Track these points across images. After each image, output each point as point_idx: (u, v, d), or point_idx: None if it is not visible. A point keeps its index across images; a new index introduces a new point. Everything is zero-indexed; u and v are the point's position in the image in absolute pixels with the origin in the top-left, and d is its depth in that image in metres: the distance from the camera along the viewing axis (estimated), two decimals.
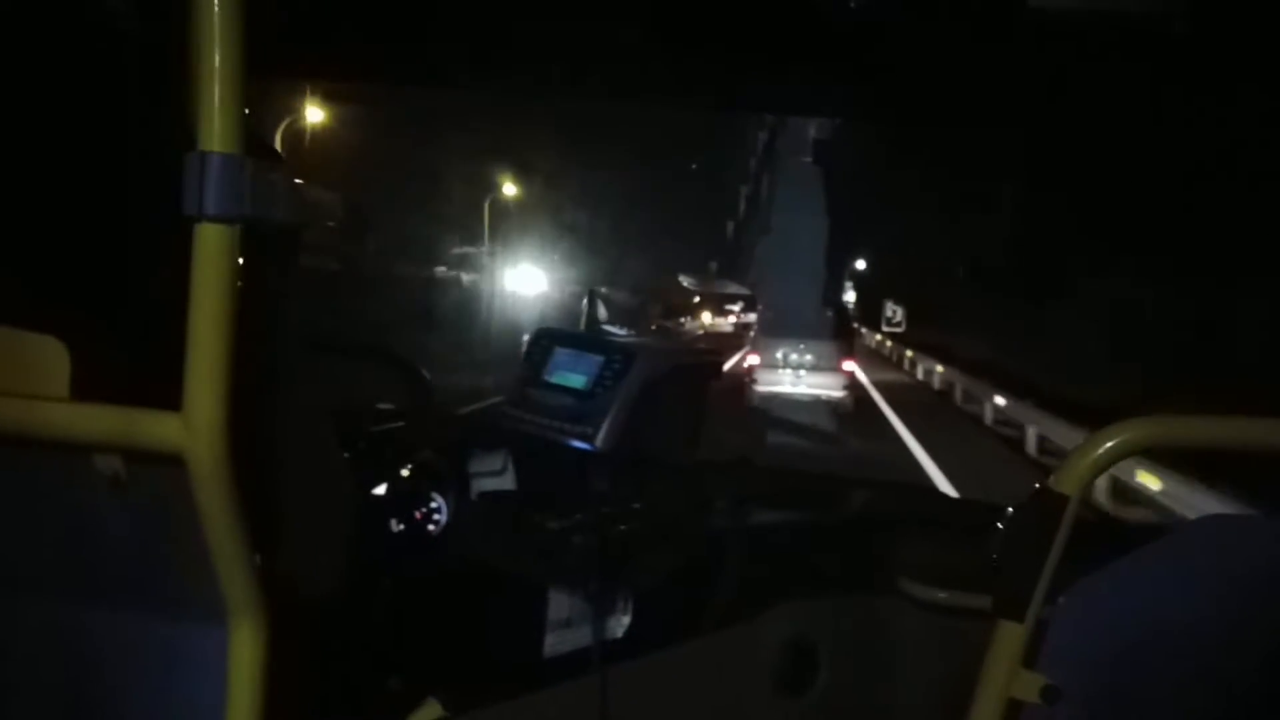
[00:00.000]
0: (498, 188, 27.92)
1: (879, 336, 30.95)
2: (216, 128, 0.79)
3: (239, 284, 0.81)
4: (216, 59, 0.78)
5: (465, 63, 2.04)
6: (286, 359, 1.00)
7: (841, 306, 18.83)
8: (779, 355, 14.37)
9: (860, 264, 59.87)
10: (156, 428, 0.82)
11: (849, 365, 14.73)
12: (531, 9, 1.72)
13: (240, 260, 0.81)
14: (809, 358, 14.29)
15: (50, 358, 0.86)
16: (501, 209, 27.85)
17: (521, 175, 28.39)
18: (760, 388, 14.11)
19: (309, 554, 1.00)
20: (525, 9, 1.72)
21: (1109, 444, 1.09)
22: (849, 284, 63.75)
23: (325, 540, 1.03)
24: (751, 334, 16.27)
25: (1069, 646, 1.11)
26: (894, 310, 24.89)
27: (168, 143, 0.82)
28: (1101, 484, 7.25)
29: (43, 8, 0.96)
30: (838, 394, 14.17)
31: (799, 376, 14.28)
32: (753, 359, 14.59)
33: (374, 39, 1.84)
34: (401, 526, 1.54)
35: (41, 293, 0.91)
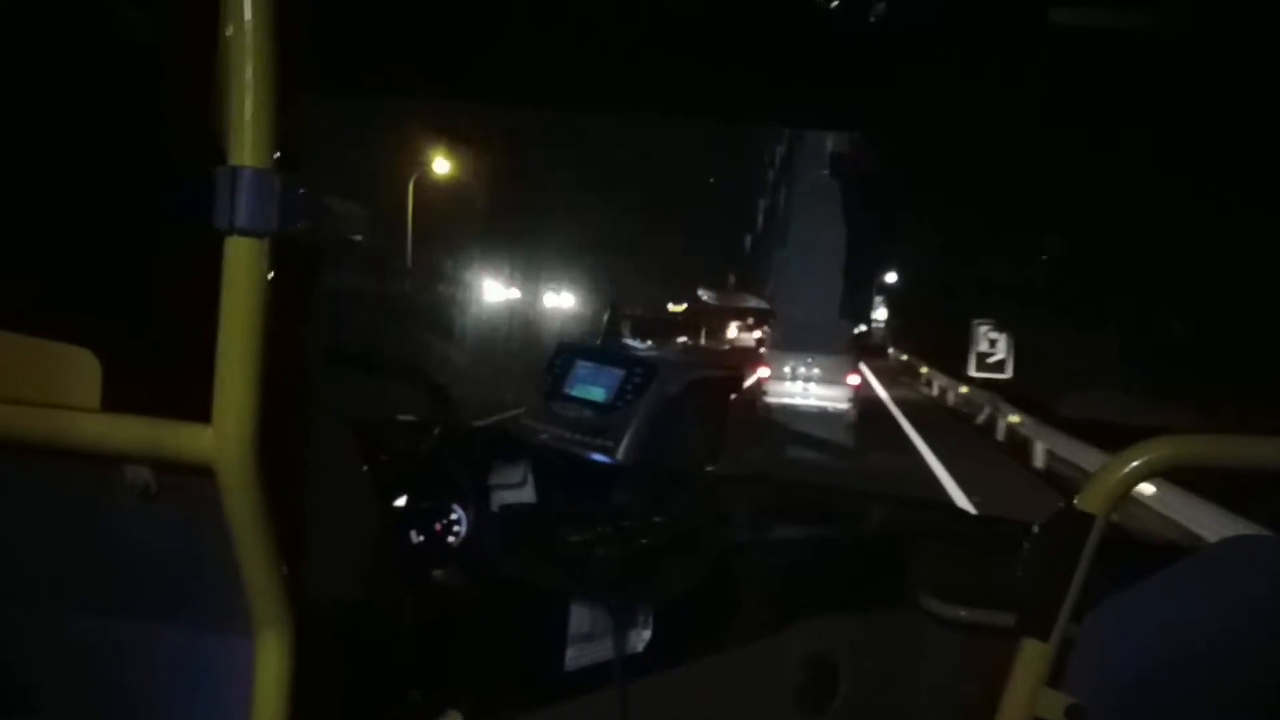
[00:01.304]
0: (426, 163, 20.74)
1: (964, 389, 17.81)
2: (248, 142, 0.80)
3: (268, 297, 0.82)
4: (249, 74, 0.79)
5: (487, 77, 2.05)
6: (313, 371, 1.01)
7: (846, 323, 18.57)
8: (787, 369, 15.24)
9: (891, 276, 58.14)
10: (186, 439, 0.83)
11: (854, 379, 15.53)
12: (545, 23, 1.73)
13: (269, 273, 0.82)
14: (816, 371, 15.16)
15: (82, 369, 0.87)
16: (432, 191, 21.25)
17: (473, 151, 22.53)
18: (770, 399, 14.91)
19: (335, 565, 1.01)
20: (540, 24, 1.73)
21: (1135, 463, 1.08)
22: (879, 299, 61.70)
23: (350, 552, 1.04)
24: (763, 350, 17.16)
25: (1093, 666, 1.10)
26: (993, 339, 15.83)
27: (199, 156, 0.83)
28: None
29: (78, 24, 0.98)
30: (843, 405, 14.96)
31: (807, 389, 15.15)
32: (763, 371, 15.41)
33: (395, 54, 1.85)
34: (422, 538, 1.55)
35: (73, 305, 0.92)
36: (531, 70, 1.95)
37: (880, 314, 63.67)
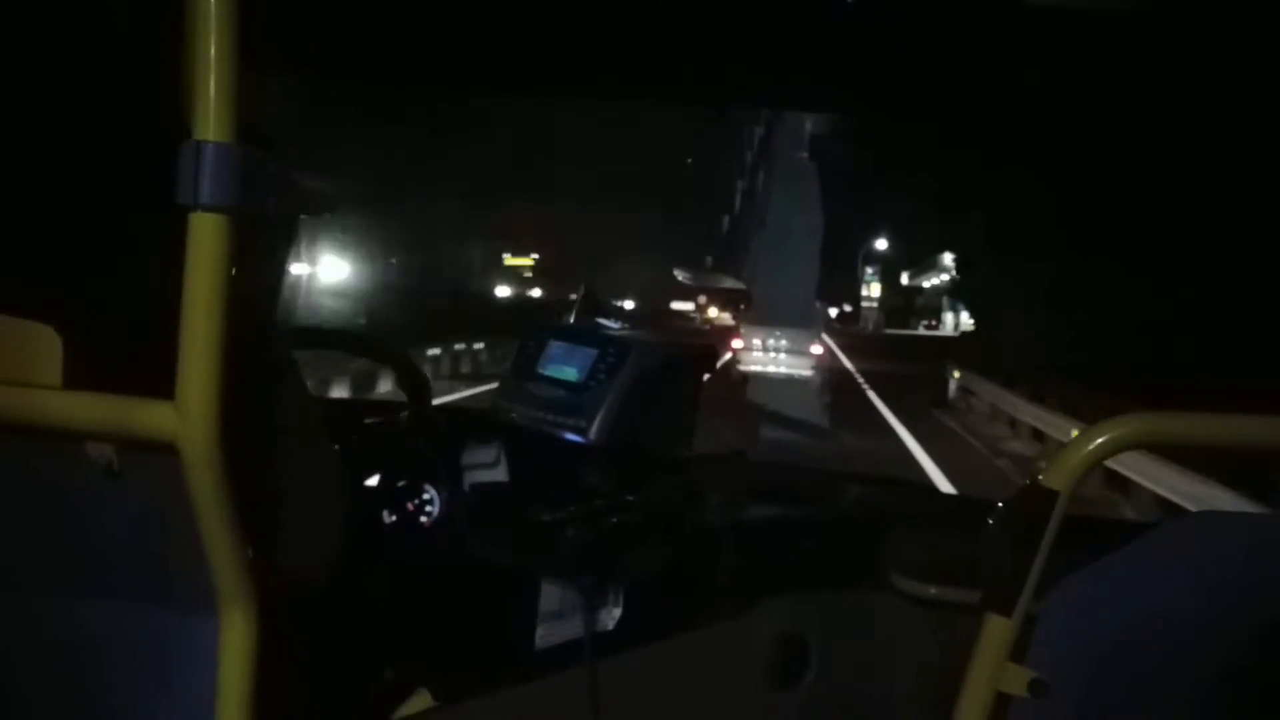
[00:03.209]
0: None
1: None
2: (211, 116, 0.79)
3: (232, 273, 0.81)
4: (211, 47, 0.78)
5: (460, 60, 2.03)
6: (279, 348, 1.00)
7: (816, 303, 20.42)
8: (757, 341, 17.57)
9: (881, 244, 53.88)
10: (149, 416, 0.82)
11: (817, 349, 18.01)
12: (525, 8, 1.72)
13: (234, 249, 0.81)
14: (784, 343, 17.47)
15: (43, 346, 0.86)
16: None
17: None
18: (743, 367, 17.02)
19: (301, 544, 1.01)
20: (519, 8, 1.72)
21: (1099, 440, 1.09)
22: (871, 271, 55.61)
23: (318, 530, 1.04)
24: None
25: (1057, 641, 1.12)
26: None
27: (162, 131, 0.82)
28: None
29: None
30: (807, 373, 17.18)
31: (777, 359, 17.44)
32: (738, 344, 17.67)
33: (370, 34, 1.83)
34: (394, 518, 1.54)
35: (34, 281, 0.91)
36: (511, 55, 1.93)
37: (875, 290, 56.09)
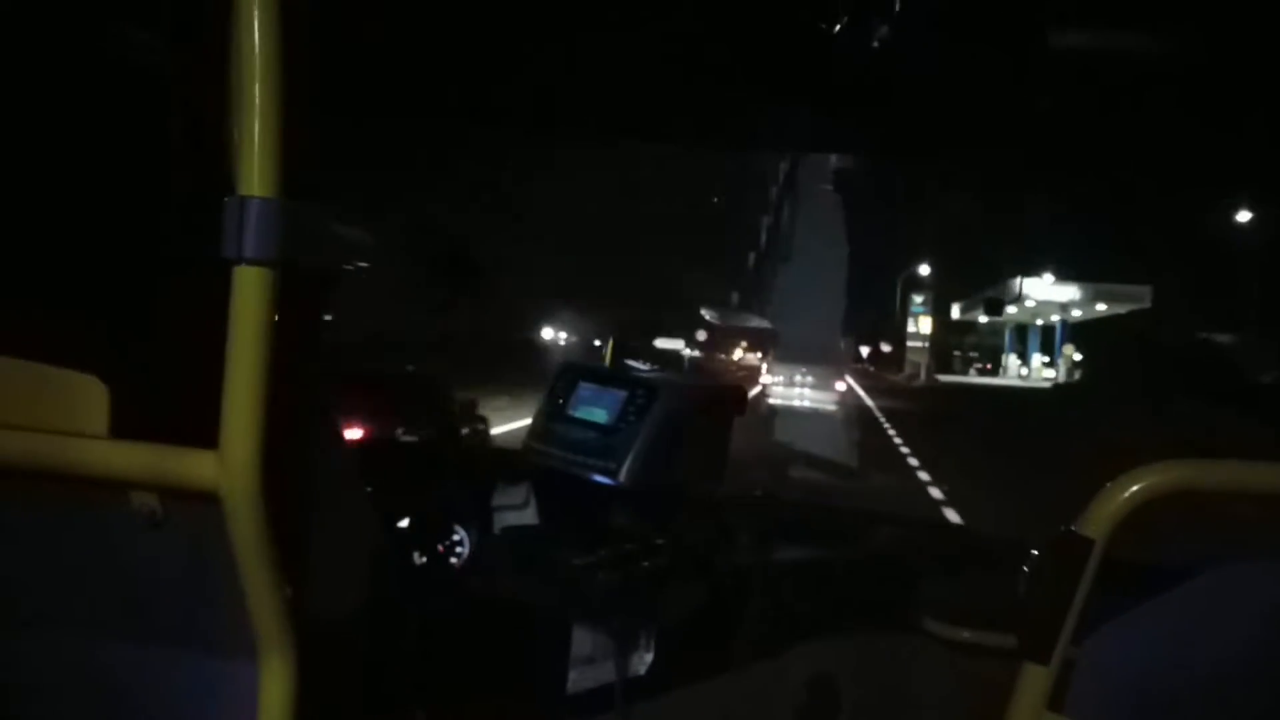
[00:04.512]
0: None
1: None
2: (255, 172, 0.81)
3: (275, 324, 0.83)
4: (256, 103, 0.81)
5: (486, 102, 2.07)
6: (319, 395, 1.02)
7: (843, 339, 21.81)
8: (784, 378, 19.88)
9: (924, 269, 43.34)
10: (193, 465, 0.83)
11: (840, 385, 19.78)
12: (552, 52, 1.75)
13: (276, 301, 0.83)
14: (810, 379, 19.68)
15: (90, 396, 0.88)
16: None
17: None
18: (772, 400, 18.44)
19: (339, 589, 1.01)
20: (547, 51, 1.75)
21: (1134, 488, 1.08)
22: (920, 301, 43.29)
23: (354, 575, 1.04)
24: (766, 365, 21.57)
25: (1094, 689, 1.10)
26: None
27: (208, 185, 0.85)
28: None
29: (88, 50, 0.99)
30: (831, 406, 18.69)
31: (803, 393, 19.27)
32: (766, 379, 19.75)
33: (402, 81, 1.87)
34: (425, 559, 1.55)
35: (82, 332, 0.93)
36: (539, 98, 1.97)
37: (924, 325, 43.75)
